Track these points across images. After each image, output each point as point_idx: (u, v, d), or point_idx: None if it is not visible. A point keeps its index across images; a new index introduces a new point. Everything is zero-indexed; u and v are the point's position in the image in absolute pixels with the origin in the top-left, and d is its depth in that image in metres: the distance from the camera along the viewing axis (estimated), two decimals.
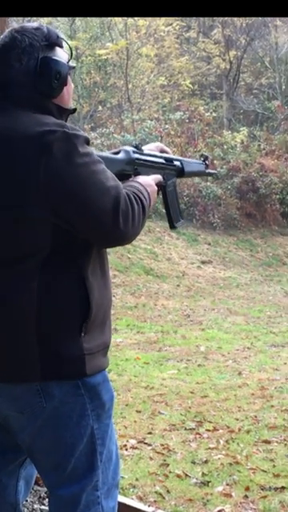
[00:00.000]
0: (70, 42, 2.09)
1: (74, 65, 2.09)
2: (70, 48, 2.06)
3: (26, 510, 3.27)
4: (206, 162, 2.54)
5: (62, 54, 2.00)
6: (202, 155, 2.60)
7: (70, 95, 2.05)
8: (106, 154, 2.13)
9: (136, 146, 2.21)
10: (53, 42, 1.97)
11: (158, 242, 15.23)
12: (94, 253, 1.98)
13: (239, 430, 4.92)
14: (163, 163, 2.30)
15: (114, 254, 13.48)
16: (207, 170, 2.55)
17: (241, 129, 21.01)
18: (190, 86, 22.70)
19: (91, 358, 1.96)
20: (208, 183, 17.35)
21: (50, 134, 1.84)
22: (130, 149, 2.18)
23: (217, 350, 7.89)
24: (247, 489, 3.81)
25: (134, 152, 2.19)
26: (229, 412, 5.39)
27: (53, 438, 2.00)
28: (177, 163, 2.36)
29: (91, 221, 1.90)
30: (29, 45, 1.93)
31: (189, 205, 16.88)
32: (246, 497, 3.70)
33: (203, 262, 15.05)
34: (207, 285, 13.65)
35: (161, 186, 2.28)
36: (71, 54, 2.06)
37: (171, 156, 2.36)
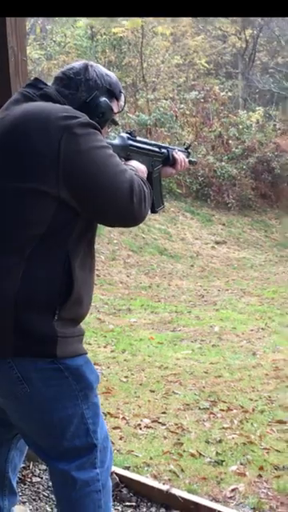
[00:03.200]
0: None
1: (118, 123, 2.24)
2: (124, 105, 2.26)
3: (41, 486, 3.31)
4: (189, 151, 2.70)
5: (114, 105, 2.19)
6: (184, 143, 2.82)
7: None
8: (104, 139, 2.22)
9: (130, 133, 2.37)
10: (113, 90, 2.17)
11: (172, 222, 15.21)
12: (85, 246, 2.05)
13: (253, 410, 4.93)
14: (153, 150, 2.45)
15: (128, 234, 13.49)
16: (189, 158, 2.68)
17: (256, 108, 20.86)
18: (206, 65, 22.52)
19: (64, 342, 2.01)
20: (223, 163, 17.28)
21: (73, 118, 1.95)
22: (125, 135, 2.35)
23: (231, 331, 7.89)
24: (261, 468, 3.82)
25: (128, 138, 2.35)
26: (243, 392, 5.40)
27: (42, 422, 2.06)
28: (164, 151, 2.51)
29: (108, 197, 1.98)
30: (93, 80, 2.13)
31: (203, 185, 16.84)
32: (260, 476, 3.71)
33: (217, 243, 15.03)
34: (221, 265, 13.63)
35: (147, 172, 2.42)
36: (122, 108, 2.27)
37: (159, 143, 2.52)
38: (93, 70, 2.14)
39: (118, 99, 2.20)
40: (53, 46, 20.75)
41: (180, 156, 2.54)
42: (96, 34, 19.58)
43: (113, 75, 2.20)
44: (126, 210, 2.02)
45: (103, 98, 2.12)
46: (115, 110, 2.19)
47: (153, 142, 2.47)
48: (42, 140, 1.92)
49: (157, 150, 2.45)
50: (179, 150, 2.59)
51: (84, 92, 2.11)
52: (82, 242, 2.03)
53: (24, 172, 1.94)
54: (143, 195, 2.06)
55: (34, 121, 1.95)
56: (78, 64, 2.16)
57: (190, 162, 2.68)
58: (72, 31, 19.70)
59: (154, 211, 2.51)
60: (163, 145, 2.52)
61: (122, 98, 2.23)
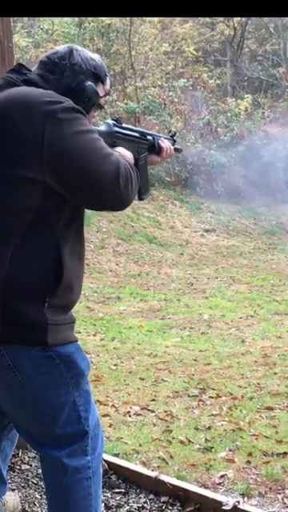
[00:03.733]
0: None
1: (104, 108, 2.22)
2: (109, 91, 2.26)
3: (30, 474, 3.31)
4: (174, 138, 2.70)
5: (99, 89, 2.17)
6: (170, 131, 2.82)
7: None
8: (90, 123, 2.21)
9: (116, 120, 2.36)
10: (98, 74, 2.15)
11: (162, 211, 15.19)
12: (73, 234, 2.05)
13: (242, 396, 4.95)
14: (139, 137, 2.44)
15: (117, 223, 13.47)
16: (174, 146, 2.67)
17: (245, 96, 20.81)
18: (194, 52, 22.45)
19: (55, 329, 2.00)
20: (212, 151, 17.25)
21: (56, 103, 1.94)
22: (111, 122, 2.34)
23: (220, 318, 7.91)
24: (250, 454, 3.84)
25: (114, 125, 2.34)
26: (232, 379, 5.42)
27: (34, 410, 2.06)
28: (149, 138, 2.50)
29: (94, 180, 1.97)
30: (79, 65, 2.11)
31: (192, 173, 16.80)
32: (249, 462, 3.73)
33: (206, 231, 15.03)
34: (210, 253, 13.65)
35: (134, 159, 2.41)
36: (108, 91, 2.26)
37: (145, 131, 2.50)
38: (77, 54, 2.12)
39: (103, 83, 2.19)
40: (40, 33, 20.61)
41: (166, 144, 2.53)
42: (84, 21, 19.46)
43: (98, 58, 2.18)
44: (114, 193, 2.01)
45: (89, 83, 2.10)
46: (101, 93, 2.18)
47: (139, 129, 2.47)
48: (25, 126, 1.91)
49: (142, 137, 2.45)
50: (165, 138, 2.58)
51: (69, 77, 2.09)
52: (70, 229, 2.02)
53: (9, 158, 1.93)
54: (130, 178, 2.05)
55: (16, 105, 1.94)
56: (62, 48, 2.15)
57: (175, 149, 2.67)
58: (60, 18, 19.58)
59: (140, 198, 2.51)
60: (149, 132, 2.51)
61: (108, 81, 2.22)
